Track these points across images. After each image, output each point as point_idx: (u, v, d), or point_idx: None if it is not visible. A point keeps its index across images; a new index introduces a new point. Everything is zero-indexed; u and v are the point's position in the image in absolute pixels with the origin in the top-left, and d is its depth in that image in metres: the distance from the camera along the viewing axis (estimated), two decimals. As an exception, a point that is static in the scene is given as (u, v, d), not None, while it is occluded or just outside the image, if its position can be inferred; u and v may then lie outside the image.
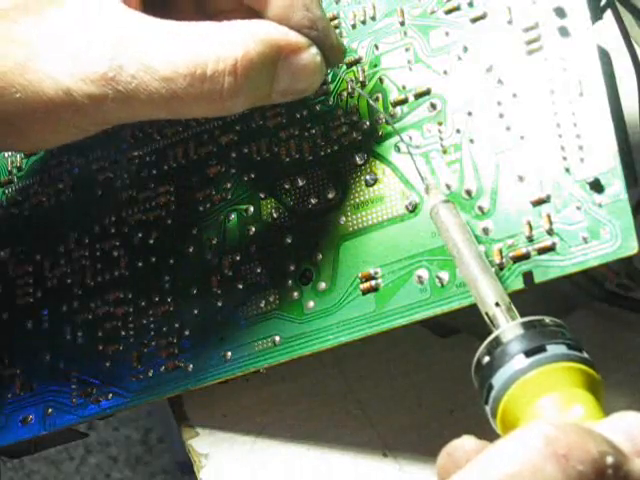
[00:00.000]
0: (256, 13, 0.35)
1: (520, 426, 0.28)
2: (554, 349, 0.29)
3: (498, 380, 0.29)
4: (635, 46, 0.37)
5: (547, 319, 0.30)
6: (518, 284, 0.32)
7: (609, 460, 0.24)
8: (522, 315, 0.30)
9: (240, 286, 0.38)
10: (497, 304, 0.30)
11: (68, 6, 0.34)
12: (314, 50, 0.34)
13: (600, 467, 0.24)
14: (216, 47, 0.33)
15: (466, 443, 0.27)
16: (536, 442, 0.24)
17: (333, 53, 0.35)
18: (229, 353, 0.37)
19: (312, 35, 0.34)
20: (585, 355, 0.29)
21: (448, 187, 0.34)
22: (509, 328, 0.30)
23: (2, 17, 0.34)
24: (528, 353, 0.29)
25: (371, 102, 0.36)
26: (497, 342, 0.30)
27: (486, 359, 0.30)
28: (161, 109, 0.34)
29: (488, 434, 0.39)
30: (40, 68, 0.33)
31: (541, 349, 0.29)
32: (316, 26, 0.34)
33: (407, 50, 0.37)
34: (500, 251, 0.33)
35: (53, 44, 0.33)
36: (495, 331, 0.30)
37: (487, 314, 0.31)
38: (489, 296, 0.31)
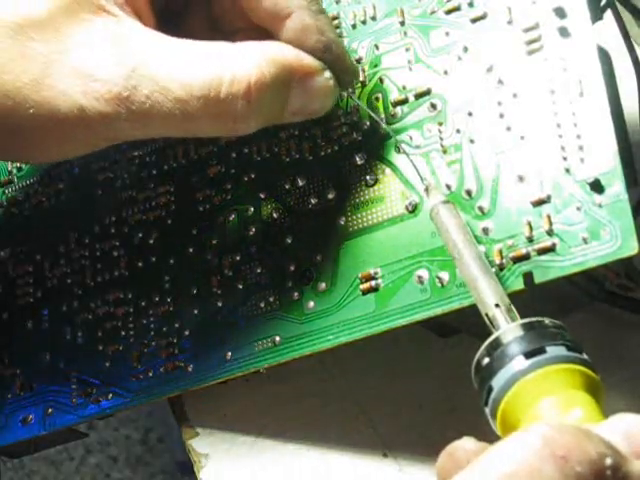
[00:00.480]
0: (269, 34, 0.35)
1: (520, 428, 0.28)
2: (554, 350, 0.29)
3: (497, 382, 0.29)
4: (635, 46, 0.37)
5: (547, 320, 0.30)
6: (518, 284, 0.32)
7: (608, 461, 0.24)
8: (522, 316, 0.30)
9: (240, 286, 0.38)
10: (497, 305, 0.30)
11: (85, 24, 0.34)
12: (327, 74, 0.35)
13: (599, 468, 0.24)
14: (230, 69, 0.33)
15: (466, 444, 0.27)
16: (534, 443, 0.24)
17: (346, 76, 0.36)
18: (229, 353, 0.37)
19: (326, 59, 0.35)
20: (585, 357, 0.29)
21: (448, 187, 0.34)
22: (508, 329, 0.30)
23: (18, 33, 0.34)
24: (528, 355, 0.29)
25: (371, 113, 0.36)
26: (497, 343, 0.30)
27: (486, 360, 0.30)
28: (174, 129, 0.34)
29: (488, 434, 0.39)
30: (55, 85, 0.33)
31: (541, 351, 0.29)
32: (330, 50, 0.35)
33: (407, 50, 0.37)
34: (500, 251, 0.33)
35: (68, 62, 0.33)
36: (495, 332, 0.30)
37: (487, 315, 0.31)
38: (489, 297, 0.31)
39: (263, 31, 0.36)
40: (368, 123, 0.37)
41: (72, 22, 0.34)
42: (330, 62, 0.35)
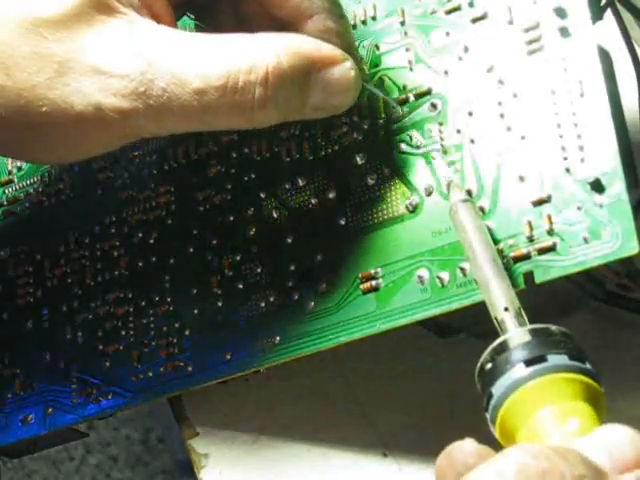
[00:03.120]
0: (292, 31, 0.35)
1: (518, 437, 0.28)
2: (555, 359, 0.29)
3: (498, 389, 0.29)
4: (635, 46, 0.37)
5: (553, 327, 0.29)
6: (519, 284, 0.32)
7: None
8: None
9: (240, 286, 0.38)
10: (506, 309, 0.30)
11: (98, 23, 0.34)
12: (349, 64, 0.34)
13: None
14: (248, 57, 0.33)
15: (465, 447, 0.27)
16: (508, 471, 0.24)
17: None
18: (229, 353, 0.37)
19: None
20: (587, 366, 0.29)
21: (449, 187, 0.34)
22: (513, 335, 0.30)
23: (32, 32, 0.34)
24: (528, 362, 0.29)
25: (374, 90, 0.36)
26: (500, 349, 0.30)
27: (489, 366, 0.30)
28: (192, 121, 0.34)
29: (488, 434, 0.39)
30: (69, 83, 0.33)
31: (542, 359, 0.29)
32: (348, 54, 0.35)
33: (408, 50, 0.37)
34: (501, 251, 0.33)
35: (83, 60, 0.33)
36: (501, 337, 0.30)
37: (496, 318, 0.30)
38: (499, 300, 0.31)
39: (286, 29, 0.35)
40: (368, 123, 0.37)
41: (86, 23, 0.34)
42: None
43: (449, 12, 0.36)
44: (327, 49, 0.34)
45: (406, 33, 0.37)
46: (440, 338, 0.39)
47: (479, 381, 0.30)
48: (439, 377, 0.40)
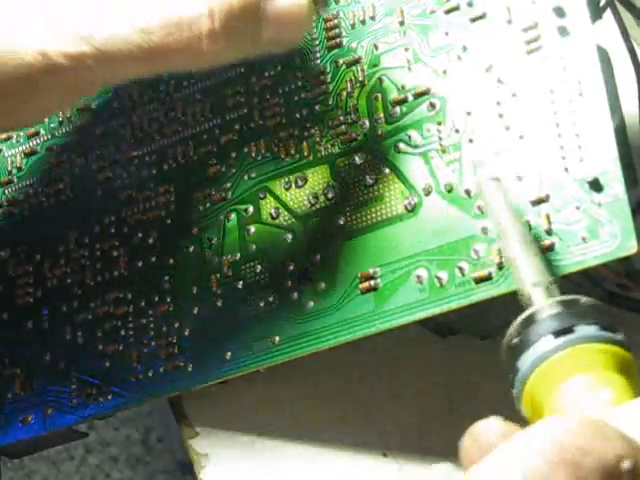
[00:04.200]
0: None
1: (545, 410, 0.27)
2: (585, 330, 0.28)
3: (524, 362, 0.28)
4: (635, 46, 0.37)
5: (583, 299, 0.29)
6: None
7: (625, 465, 0.23)
8: (519, 314, 0.30)
9: (240, 286, 0.38)
10: (535, 284, 0.30)
11: None
12: None
13: (614, 474, 0.23)
14: None
15: (491, 426, 0.26)
16: (544, 448, 0.23)
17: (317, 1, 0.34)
18: (229, 353, 0.37)
19: None
20: (618, 336, 0.28)
21: (447, 187, 0.34)
22: (541, 308, 0.29)
23: None
24: (557, 333, 0.28)
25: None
26: (527, 322, 0.29)
27: (515, 340, 0.29)
28: (141, 62, 0.33)
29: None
30: (15, 34, 0.33)
31: (571, 330, 0.28)
32: None
33: (406, 50, 0.37)
34: (499, 250, 0.33)
35: (26, 10, 0.33)
36: (524, 314, 0.29)
37: (524, 294, 0.30)
38: (527, 276, 0.30)
39: None
40: (368, 123, 0.37)
41: None
42: None
43: (448, 12, 0.36)
44: None
45: (405, 33, 0.37)
46: (440, 338, 0.39)
47: (505, 357, 0.29)
48: (439, 377, 0.40)
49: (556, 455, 0.23)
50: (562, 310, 0.29)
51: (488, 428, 0.26)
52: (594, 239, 0.31)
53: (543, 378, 0.28)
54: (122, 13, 0.32)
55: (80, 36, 0.32)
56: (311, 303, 0.36)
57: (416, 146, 0.35)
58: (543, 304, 0.29)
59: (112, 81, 0.35)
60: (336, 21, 0.38)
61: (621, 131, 0.32)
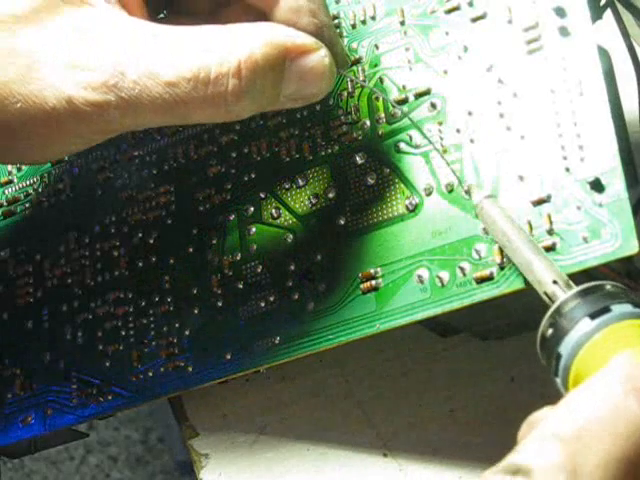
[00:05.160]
0: (265, 15, 0.35)
1: None
2: (620, 308, 0.28)
3: (566, 347, 0.28)
4: (635, 46, 0.37)
5: (607, 284, 0.29)
6: (519, 284, 0.32)
7: None
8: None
9: (240, 286, 0.38)
10: (555, 282, 0.30)
11: (68, 15, 0.33)
12: (323, 52, 0.34)
13: None
14: (220, 50, 0.32)
15: (545, 410, 0.26)
16: (616, 379, 0.25)
17: (337, 61, 0.35)
18: (229, 353, 0.37)
19: None
20: None
21: (448, 187, 0.34)
22: (569, 297, 0.29)
23: (1, 29, 0.33)
24: (593, 315, 0.28)
25: (376, 91, 0.36)
26: (559, 313, 0.29)
27: (550, 331, 0.29)
28: (165, 115, 0.33)
29: (488, 434, 0.39)
30: (42, 77, 0.33)
31: (606, 310, 0.28)
32: (322, 33, 0.34)
33: (407, 50, 0.37)
34: (501, 250, 0.33)
35: (54, 53, 0.33)
36: (555, 304, 0.29)
37: (546, 293, 0.30)
38: (545, 276, 0.30)
39: (260, 13, 0.35)
40: (368, 123, 0.37)
41: (55, 16, 0.33)
42: None
43: (449, 12, 0.36)
44: (300, 38, 0.33)
45: (405, 33, 0.37)
46: (440, 338, 0.39)
47: (542, 350, 0.29)
48: (439, 377, 0.40)
49: (627, 384, 0.25)
50: (591, 295, 0.29)
51: (544, 413, 0.26)
52: (595, 239, 0.31)
53: (589, 358, 0.28)
54: (150, 63, 0.32)
55: (107, 85, 0.32)
56: (312, 303, 0.36)
57: (417, 146, 0.35)
58: (569, 294, 0.29)
59: (135, 127, 0.35)
60: (337, 21, 0.38)
61: (622, 131, 0.32)
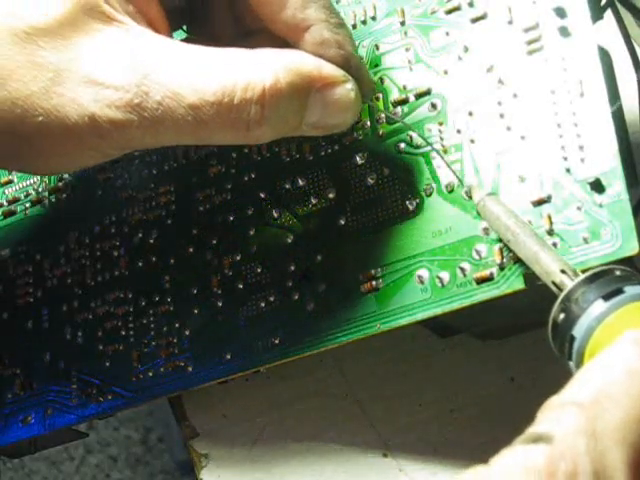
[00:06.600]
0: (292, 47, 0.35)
1: None
2: (633, 289, 0.28)
3: (579, 330, 0.28)
4: (635, 46, 0.37)
5: (616, 269, 0.29)
6: (519, 284, 0.32)
7: None
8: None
9: (240, 286, 0.38)
10: (562, 271, 0.30)
11: (94, 32, 0.33)
12: (349, 85, 0.34)
13: None
14: (245, 75, 0.32)
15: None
16: (630, 345, 0.25)
17: (364, 91, 0.35)
18: (229, 353, 0.37)
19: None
20: None
21: (449, 187, 0.34)
22: (579, 283, 0.29)
23: (26, 41, 0.33)
24: (607, 297, 0.28)
25: (409, 127, 0.36)
26: (569, 298, 0.29)
27: (561, 316, 0.29)
28: (187, 136, 0.33)
29: (487, 434, 0.39)
30: (65, 93, 0.33)
31: (619, 291, 0.28)
32: (349, 64, 0.34)
33: (408, 50, 0.37)
34: (501, 251, 0.33)
35: (78, 70, 0.33)
36: (565, 290, 0.29)
37: (554, 283, 0.30)
38: (553, 265, 0.30)
39: (286, 42, 0.35)
40: (368, 123, 0.37)
41: (81, 31, 0.33)
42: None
43: (449, 12, 0.36)
44: (328, 69, 0.33)
45: (406, 33, 0.37)
46: (440, 338, 0.39)
47: (554, 336, 0.29)
48: (439, 377, 0.40)
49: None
50: (602, 278, 0.29)
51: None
52: (595, 240, 0.31)
53: (603, 338, 0.28)
54: (174, 85, 0.32)
55: (130, 105, 0.32)
56: (312, 303, 0.36)
57: (417, 146, 0.35)
58: (579, 279, 0.29)
59: (155, 145, 0.34)
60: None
61: (622, 131, 0.32)
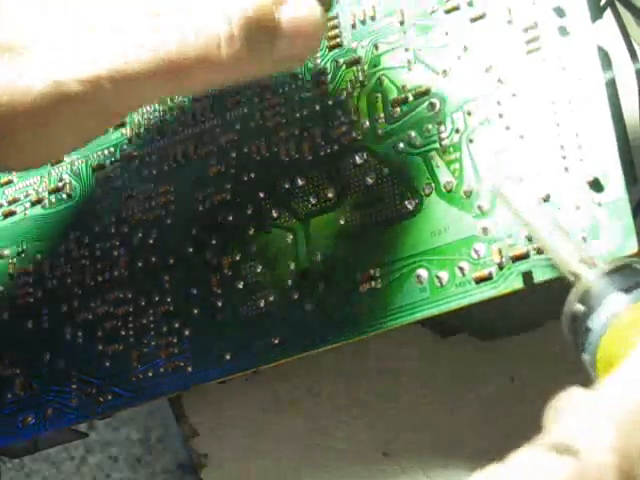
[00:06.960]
0: None
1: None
2: None
3: (596, 322, 0.28)
4: (635, 46, 0.37)
5: (634, 263, 0.29)
6: (518, 284, 0.32)
7: None
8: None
9: (240, 286, 0.38)
10: (581, 261, 0.29)
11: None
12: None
13: None
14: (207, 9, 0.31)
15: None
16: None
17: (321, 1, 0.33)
18: (229, 353, 0.37)
19: None
20: None
21: (447, 187, 0.34)
22: (598, 274, 0.29)
23: None
24: (627, 290, 0.28)
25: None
26: (586, 289, 0.29)
27: (577, 307, 0.28)
28: (160, 81, 0.31)
29: (487, 435, 0.39)
30: (23, 62, 0.31)
31: (638, 285, 0.28)
32: None
33: (407, 50, 0.37)
34: (500, 250, 0.33)
35: (33, 36, 0.31)
36: (583, 280, 0.29)
37: (571, 272, 0.29)
38: (571, 255, 0.30)
39: None
40: (368, 123, 0.37)
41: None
42: None
43: (448, 12, 0.36)
44: None
45: (405, 33, 0.37)
46: (440, 338, 0.39)
47: (569, 326, 0.29)
48: (439, 377, 0.40)
49: None
50: (622, 271, 0.28)
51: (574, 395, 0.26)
52: (594, 239, 0.31)
53: (621, 331, 0.27)
54: (135, 28, 0.31)
55: (93, 59, 0.31)
56: (311, 303, 0.36)
57: (416, 146, 0.35)
58: (599, 270, 0.29)
59: (131, 107, 0.33)
60: (336, 21, 0.38)
61: (621, 131, 0.32)
